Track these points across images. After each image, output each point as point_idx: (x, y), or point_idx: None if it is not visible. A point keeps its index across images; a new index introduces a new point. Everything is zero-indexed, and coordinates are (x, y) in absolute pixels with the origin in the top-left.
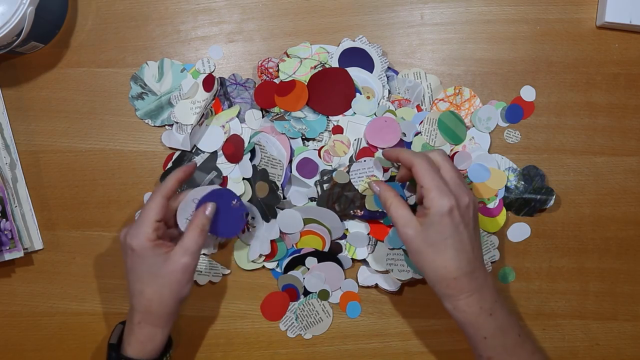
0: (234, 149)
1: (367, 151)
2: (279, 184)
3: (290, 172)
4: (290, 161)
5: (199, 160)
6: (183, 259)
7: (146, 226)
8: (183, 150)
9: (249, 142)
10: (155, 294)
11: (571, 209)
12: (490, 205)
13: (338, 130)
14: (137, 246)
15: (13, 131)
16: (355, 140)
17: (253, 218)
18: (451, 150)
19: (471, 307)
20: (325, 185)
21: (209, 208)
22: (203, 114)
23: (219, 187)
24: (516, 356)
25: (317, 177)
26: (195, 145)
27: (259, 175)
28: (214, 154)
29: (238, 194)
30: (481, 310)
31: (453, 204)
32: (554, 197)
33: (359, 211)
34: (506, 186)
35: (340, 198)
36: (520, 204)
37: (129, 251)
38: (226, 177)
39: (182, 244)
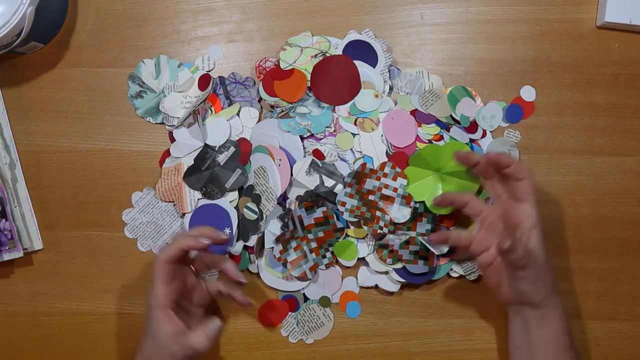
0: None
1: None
2: (265, 214)
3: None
4: (284, 195)
5: (222, 158)
6: None
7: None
8: (205, 146)
9: (255, 148)
10: None
11: (571, 209)
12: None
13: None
14: None
15: (13, 131)
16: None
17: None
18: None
19: None
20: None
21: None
22: (193, 112)
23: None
24: None
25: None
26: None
27: (252, 197)
28: (237, 152)
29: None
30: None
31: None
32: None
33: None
34: None
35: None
36: None
37: None
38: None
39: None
